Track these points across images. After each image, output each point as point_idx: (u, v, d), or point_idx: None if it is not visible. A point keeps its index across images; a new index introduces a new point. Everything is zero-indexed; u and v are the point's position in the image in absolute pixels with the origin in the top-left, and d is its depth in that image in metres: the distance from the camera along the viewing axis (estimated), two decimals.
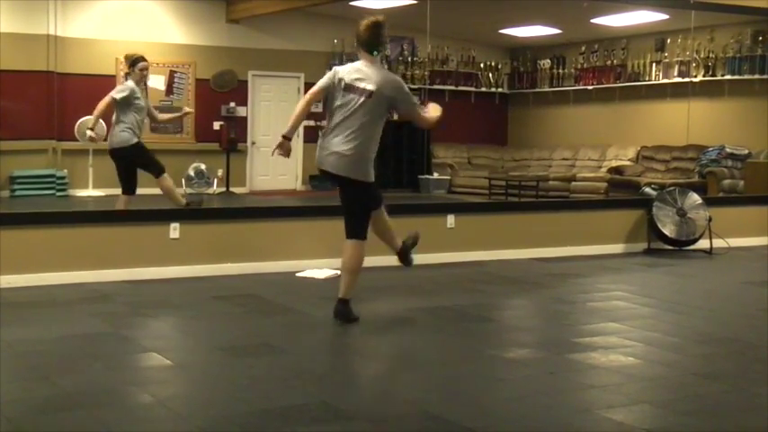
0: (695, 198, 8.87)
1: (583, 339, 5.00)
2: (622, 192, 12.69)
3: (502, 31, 15.01)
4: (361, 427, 3.52)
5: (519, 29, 14.76)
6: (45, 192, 12.61)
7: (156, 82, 13.62)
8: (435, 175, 14.67)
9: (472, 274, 7.25)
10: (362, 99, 5.01)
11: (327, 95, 5.14)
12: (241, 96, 14.40)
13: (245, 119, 14.48)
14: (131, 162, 7.98)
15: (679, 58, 13.72)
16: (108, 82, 13.26)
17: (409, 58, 15.39)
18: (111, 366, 4.28)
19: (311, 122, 14.90)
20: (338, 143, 5.05)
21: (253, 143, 14.58)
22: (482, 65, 16.29)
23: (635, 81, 14.39)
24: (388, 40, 5.26)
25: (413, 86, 13.72)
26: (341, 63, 14.70)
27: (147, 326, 5.34)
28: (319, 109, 16.52)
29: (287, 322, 5.41)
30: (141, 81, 8.08)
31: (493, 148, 16.36)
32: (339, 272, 6.97)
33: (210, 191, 13.84)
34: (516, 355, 4.75)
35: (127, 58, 8.14)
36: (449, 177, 14.81)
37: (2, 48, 12.37)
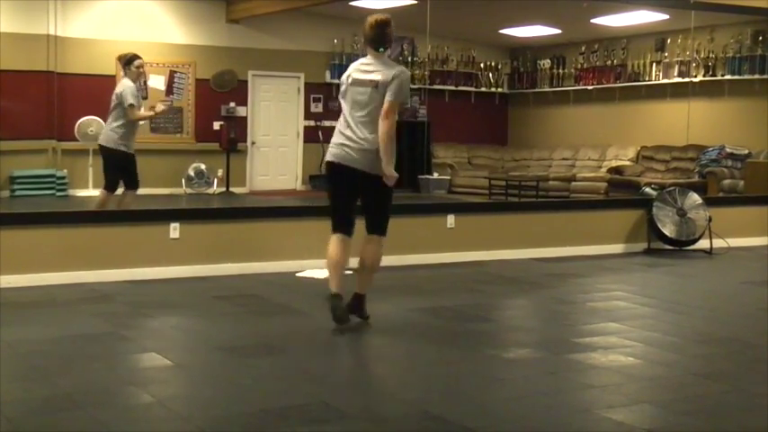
0: (695, 198, 8.87)
1: (583, 339, 5.00)
2: (622, 192, 12.69)
3: (502, 31, 15.01)
4: (361, 427, 3.52)
5: (519, 29, 14.75)
6: (45, 192, 12.62)
7: (156, 82, 13.63)
8: (435, 175, 14.67)
9: (472, 274, 7.25)
10: (370, 90, 5.01)
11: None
12: (241, 96, 14.40)
13: (245, 119, 14.48)
14: (112, 163, 7.94)
15: (679, 58, 13.72)
16: (108, 82, 13.23)
17: (409, 59, 15.39)
18: (111, 366, 4.28)
19: (311, 122, 14.94)
20: (352, 138, 5.03)
21: (253, 143, 14.58)
22: (482, 65, 16.29)
23: (635, 81, 14.39)
24: (394, 37, 5.21)
25: (413, 87, 13.71)
26: (341, 63, 14.84)
27: (147, 326, 5.34)
28: (319, 109, 16.46)
29: (287, 322, 5.41)
30: (138, 79, 8.04)
31: (493, 148, 16.36)
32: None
33: (210, 191, 13.85)
34: (516, 355, 4.75)
35: (121, 57, 8.05)
36: (449, 177, 14.81)
37: (2, 48, 12.37)
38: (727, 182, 12.11)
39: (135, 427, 3.46)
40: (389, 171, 4.99)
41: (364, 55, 5.27)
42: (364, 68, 5.09)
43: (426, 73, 15.38)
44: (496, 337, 5.24)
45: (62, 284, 6.30)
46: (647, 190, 9.67)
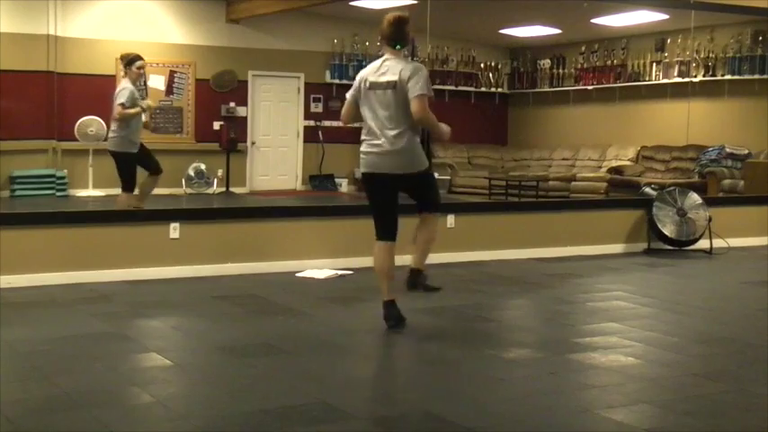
0: (695, 198, 8.87)
1: (583, 339, 5.00)
2: (622, 192, 12.69)
3: (502, 31, 15.01)
4: (361, 427, 3.52)
5: (519, 29, 14.75)
6: (45, 192, 12.62)
7: (156, 82, 13.63)
8: (435, 175, 14.61)
9: (472, 274, 7.25)
10: (390, 92, 4.98)
11: (357, 102, 5.16)
12: (241, 96, 14.41)
13: (245, 119, 14.48)
14: (121, 165, 7.97)
15: (679, 58, 13.72)
16: (108, 82, 13.24)
17: (409, 58, 15.35)
18: (111, 366, 4.28)
19: (311, 122, 14.95)
20: (381, 143, 5.01)
21: (253, 143, 14.58)
22: (482, 65, 16.29)
23: (635, 81, 14.39)
24: (411, 35, 5.20)
25: None
26: (341, 63, 14.87)
27: (147, 326, 5.34)
28: (319, 109, 16.44)
29: (287, 323, 5.41)
30: (139, 80, 8.05)
31: (493, 148, 16.36)
32: (339, 272, 7.02)
33: (210, 191, 13.85)
34: (516, 356, 4.75)
35: (123, 57, 8.08)
36: (449, 177, 14.81)
37: (2, 48, 12.37)
38: (727, 182, 12.11)
39: (135, 427, 3.46)
40: (443, 134, 5.21)
41: (380, 55, 5.24)
42: (380, 70, 5.05)
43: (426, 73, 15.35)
44: (497, 337, 5.24)
45: (62, 284, 6.30)
46: (647, 190, 9.67)
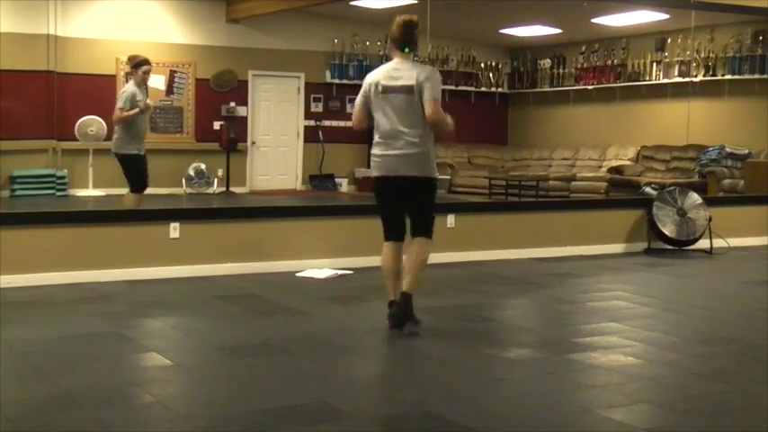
0: (695, 198, 8.87)
1: (583, 339, 5.00)
2: (622, 192, 12.70)
3: (502, 31, 15.01)
4: (361, 427, 3.52)
5: (519, 29, 14.76)
6: (45, 192, 12.62)
7: (156, 82, 13.60)
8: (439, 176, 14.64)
9: (472, 274, 7.25)
10: (403, 95, 4.97)
11: (367, 107, 5.13)
12: (241, 96, 14.41)
13: (245, 119, 14.48)
14: (125, 166, 7.98)
15: (679, 58, 13.72)
16: (108, 82, 13.29)
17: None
18: (111, 366, 4.28)
19: (311, 122, 14.94)
20: (397, 146, 5.00)
21: (253, 143, 14.58)
22: (482, 65, 16.29)
23: (635, 81, 14.40)
24: (419, 38, 5.19)
25: None
26: (341, 63, 14.87)
27: (147, 326, 5.34)
28: (320, 109, 16.41)
29: (287, 322, 5.41)
30: (143, 83, 8.07)
31: (493, 147, 16.36)
32: (339, 272, 7.02)
33: (210, 191, 13.85)
34: (516, 355, 4.75)
35: (130, 59, 8.12)
36: (449, 177, 14.81)
37: (2, 48, 12.37)
38: (727, 182, 12.11)
39: (135, 427, 3.46)
40: (450, 132, 5.24)
41: (389, 59, 5.21)
42: (393, 74, 5.03)
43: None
44: (496, 336, 5.24)
45: (62, 284, 6.30)
46: (648, 190, 9.68)
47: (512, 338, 5.19)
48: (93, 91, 13.13)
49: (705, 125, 12.89)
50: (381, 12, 13.62)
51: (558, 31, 14.66)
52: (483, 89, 16.30)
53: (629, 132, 14.51)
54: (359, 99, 5.18)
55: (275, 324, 5.36)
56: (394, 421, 3.61)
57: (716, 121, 13.14)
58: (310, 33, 14.63)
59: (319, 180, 14.84)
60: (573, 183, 13.93)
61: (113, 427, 3.41)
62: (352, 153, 14.97)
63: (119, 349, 4.63)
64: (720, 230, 8.76)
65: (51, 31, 12.87)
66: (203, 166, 13.86)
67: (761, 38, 12.73)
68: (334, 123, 14.91)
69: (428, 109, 4.92)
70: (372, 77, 5.12)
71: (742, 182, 11.81)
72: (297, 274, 6.98)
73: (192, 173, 13.78)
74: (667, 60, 13.93)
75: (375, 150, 5.12)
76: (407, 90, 4.97)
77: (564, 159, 15.20)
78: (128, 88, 7.92)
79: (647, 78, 14.23)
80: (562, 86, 15.68)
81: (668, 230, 8.68)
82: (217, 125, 14.16)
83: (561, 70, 15.75)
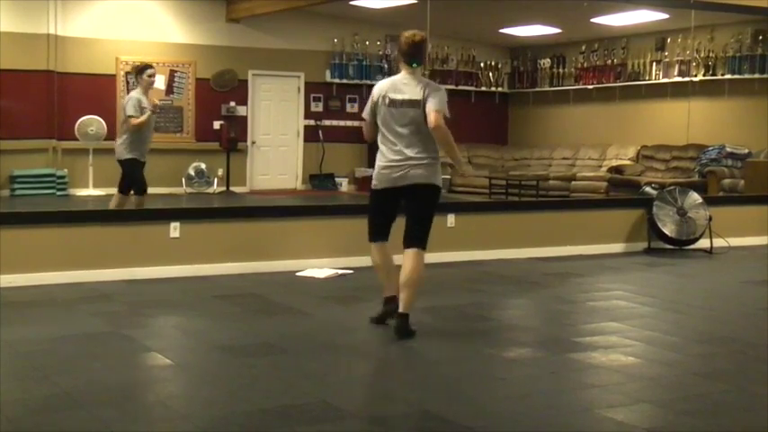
0: (695, 197, 8.87)
1: (583, 339, 5.01)
2: (622, 191, 12.69)
3: (502, 31, 15.01)
4: (361, 427, 3.53)
5: (519, 28, 14.75)
6: (45, 191, 12.62)
7: (157, 81, 13.58)
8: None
9: (472, 274, 7.25)
10: (408, 110, 5.02)
11: (375, 117, 5.16)
12: (241, 96, 14.40)
13: (245, 118, 14.48)
14: (127, 171, 7.97)
15: (679, 58, 13.72)
16: (108, 82, 13.30)
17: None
18: (111, 366, 4.28)
19: (311, 122, 14.94)
20: (401, 160, 5.04)
21: (253, 142, 14.58)
22: (482, 64, 16.29)
23: (635, 80, 14.39)
24: (427, 53, 5.24)
25: None
26: (341, 62, 14.87)
27: (147, 326, 5.34)
28: (320, 108, 16.40)
29: (287, 322, 5.41)
30: (149, 87, 8.06)
31: (493, 147, 16.35)
32: (339, 272, 7.02)
33: (211, 190, 13.85)
34: (516, 355, 4.75)
35: (134, 68, 8.20)
36: (449, 177, 14.79)
37: (2, 47, 12.37)
38: (727, 181, 12.11)
39: (135, 427, 3.46)
40: (459, 163, 5.35)
41: (397, 71, 5.24)
42: (401, 88, 5.07)
43: (426, 72, 15.35)
44: (497, 336, 5.24)
45: (62, 284, 6.30)
46: (648, 189, 9.68)
47: (512, 338, 5.19)
48: (94, 91, 13.13)
49: (705, 125, 12.88)
50: (381, 12, 13.63)
51: (557, 30, 14.66)
52: (483, 89, 16.30)
53: (629, 132, 14.50)
54: (367, 109, 5.21)
55: (275, 324, 5.36)
56: (394, 421, 3.61)
57: (716, 121, 13.13)
58: (310, 33, 14.62)
59: (319, 180, 14.84)
60: (573, 182, 13.92)
61: (113, 426, 3.41)
62: (352, 153, 14.96)
63: (119, 349, 4.63)
64: (720, 230, 8.76)
65: (51, 31, 12.87)
66: (203, 166, 13.86)
67: (761, 37, 12.73)
68: (334, 123, 14.91)
69: (431, 118, 4.94)
70: (380, 89, 5.15)
71: (742, 181, 11.81)
72: (297, 274, 6.98)
73: (192, 172, 13.78)
74: (667, 60, 13.93)
75: (379, 162, 5.13)
76: (413, 104, 5.02)
77: (564, 159, 15.19)
78: (132, 95, 7.91)
79: (647, 78, 14.23)
80: (562, 86, 15.67)
81: (668, 230, 8.68)
82: (217, 125, 14.16)
83: (561, 70, 15.75)
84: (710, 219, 8.75)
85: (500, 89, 16.47)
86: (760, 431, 3.58)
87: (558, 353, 4.68)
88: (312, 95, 14.90)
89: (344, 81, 14.87)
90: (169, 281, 6.62)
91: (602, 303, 6.15)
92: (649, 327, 5.34)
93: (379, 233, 5.22)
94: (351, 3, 13.04)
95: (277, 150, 14.84)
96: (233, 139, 14.04)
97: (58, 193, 12.74)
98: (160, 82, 13.55)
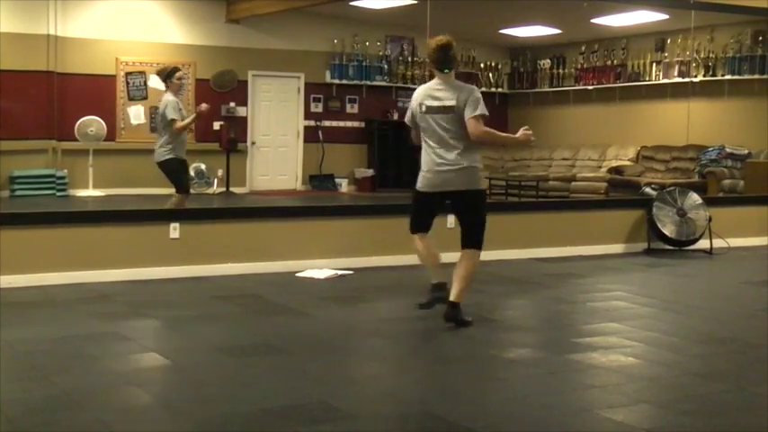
0: (695, 198, 8.87)
1: (583, 339, 5.01)
2: (622, 192, 12.69)
3: (502, 31, 15.01)
4: (361, 426, 3.52)
5: (519, 29, 14.75)
6: (45, 192, 12.61)
7: (157, 82, 13.57)
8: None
9: None
10: (448, 116, 5.20)
11: (416, 123, 5.35)
12: (241, 96, 14.40)
13: (245, 119, 14.48)
14: (169, 171, 7.82)
15: (679, 58, 13.72)
16: (108, 82, 13.30)
17: (409, 59, 15.41)
18: (111, 366, 4.28)
19: (311, 122, 14.94)
20: (442, 164, 5.22)
21: (253, 143, 14.58)
22: (482, 65, 16.29)
23: (635, 81, 14.39)
24: (458, 57, 5.39)
25: (413, 86, 13.72)
26: (341, 63, 14.86)
27: (146, 326, 5.34)
28: (319, 109, 16.37)
29: (287, 322, 5.41)
30: (180, 90, 7.98)
31: (493, 147, 16.32)
32: (339, 272, 7.02)
33: (211, 191, 13.85)
34: (516, 355, 4.75)
35: (160, 72, 7.86)
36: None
37: (2, 48, 12.37)
38: (727, 182, 12.11)
39: (135, 427, 3.46)
40: (518, 142, 5.82)
41: (430, 77, 5.43)
42: (435, 94, 5.25)
43: (426, 73, 15.34)
44: (496, 336, 5.24)
45: (62, 284, 6.30)
46: (647, 190, 9.67)
47: (512, 338, 5.19)
48: (94, 91, 13.13)
49: (705, 125, 12.88)
50: (381, 12, 13.64)
51: (557, 31, 14.66)
52: (483, 89, 16.24)
53: (629, 132, 14.50)
54: (408, 116, 5.42)
55: (275, 324, 5.36)
56: (394, 421, 3.61)
57: (716, 122, 13.13)
58: (310, 33, 14.62)
59: (319, 180, 14.84)
60: (573, 183, 13.93)
61: (113, 426, 3.41)
62: (351, 153, 14.96)
63: (118, 349, 4.63)
64: (720, 230, 8.76)
65: (51, 32, 12.86)
66: (203, 167, 13.85)
67: (761, 38, 12.73)
68: (334, 123, 14.91)
69: (470, 126, 5.17)
70: (417, 96, 5.36)
71: (742, 182, 11.81)
72: (297, 275, 6.98)
73: (192, 173, 13.73)
74: (667, 60, 13.93)
75: (423, 166, 5.34)
76: (449, 110, 5.20)
77: (564, 159, 15.19)
78: (168, 99, 7.67)
79: (647, 78, 14.23)
80: (562, 87, 15.67)
81: (668, 231, 8.68)
82: (217, 125, 14.16)
83: (561, 70, 15.75)
84: (710, 219, 8.75)
85: (500, 90, 16.47)
86: (760, 431, 3.58)
87: (558, 353, 4.68)
88: (312, 96, 14.89)
89: (344, 82, 14.87)
90: (169, 281, 6.62)
91: (602, 304, 6.16)
92: (649, 327, 5.34)
93: (419, 227, 5.47)
94: (351, 3, 13.05)
95: (277, 151, 14.84)
96: (233, 140, 14.04)
97: (58, 193, 12.74)
98: (160, 82, 13.63)
